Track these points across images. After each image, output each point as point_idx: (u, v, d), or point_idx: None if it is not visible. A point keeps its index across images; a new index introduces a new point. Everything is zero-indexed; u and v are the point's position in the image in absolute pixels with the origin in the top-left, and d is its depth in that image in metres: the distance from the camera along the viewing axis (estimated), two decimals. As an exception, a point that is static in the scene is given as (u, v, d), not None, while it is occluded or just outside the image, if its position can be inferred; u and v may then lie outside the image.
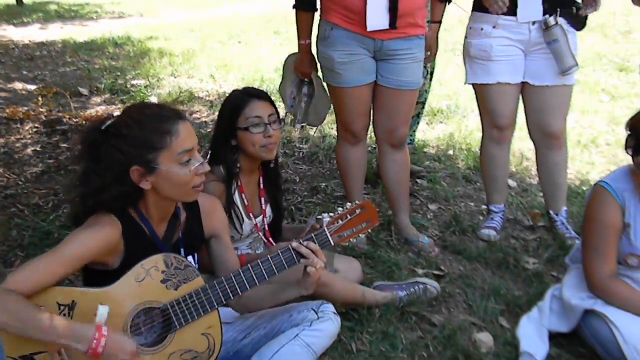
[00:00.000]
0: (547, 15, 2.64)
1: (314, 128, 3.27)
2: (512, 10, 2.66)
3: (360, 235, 1.89)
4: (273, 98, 2.36)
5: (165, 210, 1.77)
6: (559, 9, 2.64)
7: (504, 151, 2.98)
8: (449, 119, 4.92)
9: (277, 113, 2.29)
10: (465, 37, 2.87)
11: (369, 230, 1.91)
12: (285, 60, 2.92)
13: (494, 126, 2.90)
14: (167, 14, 11.76)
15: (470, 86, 2.92)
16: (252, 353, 1.87)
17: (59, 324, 1.47)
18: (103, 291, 1.62)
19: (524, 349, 2.08)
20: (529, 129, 2.95)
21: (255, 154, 2.24)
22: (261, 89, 2.60)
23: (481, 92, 2.89)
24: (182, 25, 10.11)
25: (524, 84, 2.81)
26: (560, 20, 2.65)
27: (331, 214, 1.86)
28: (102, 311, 1.52)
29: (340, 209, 1.89)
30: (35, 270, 1.54)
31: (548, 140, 2.88)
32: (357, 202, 1.91)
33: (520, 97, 2.88)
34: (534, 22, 2.67)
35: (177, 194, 1.71)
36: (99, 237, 1.62)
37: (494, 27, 2.72)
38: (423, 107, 3.76)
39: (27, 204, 3.21)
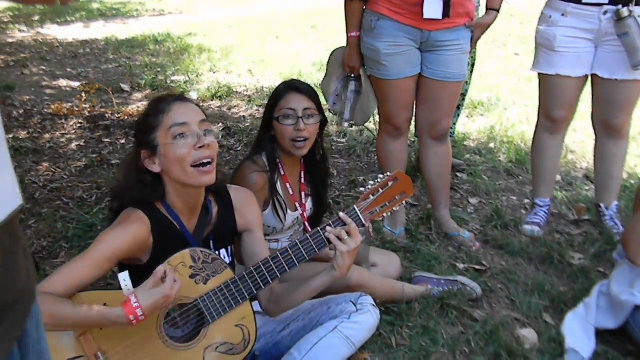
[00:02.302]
0: (620, 6, 2.46)
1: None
2: None
3: (394, 208, 1.79)
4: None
5: (191, 202, 1.75)
6: None
7: (556, 142, 2.89)
8: (490, 112, 4.82)
9: (319, 109, 2.22)
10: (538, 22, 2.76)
11: (404, 202, 1.82)
12: (330, 55, 2.81)
13: (548, 117, 2.82)
14: (206, 11, 11.89)
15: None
16: (291, 345, 1.87)
17: (93, 314, 1.50)
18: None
19: (569, 345, 2.03)
20: (592, 116, 2.85)
21: (287, 147, 2.19)
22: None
23: (541, 81, 2.81)
24: (221, 21, 10.20)
25: (593, 75, 2.69)
26: (638, 10, 2.47)
27: (362, 189, 1.78)
28: (125, 278, 1.52)
29: (371, 182, 1.79)
30: (68, 273, 1.56)
31: (609, 130, 2.79)
32: (389, 173, 1.81)
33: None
34: (605, 12, 2.52)
35: (180, 174, 1.66)
36: (127, 236, 1.64)
37: (562, 14, 2.59)
38: (463, 100, 3.69)
39: (72, 197, 3.29)
